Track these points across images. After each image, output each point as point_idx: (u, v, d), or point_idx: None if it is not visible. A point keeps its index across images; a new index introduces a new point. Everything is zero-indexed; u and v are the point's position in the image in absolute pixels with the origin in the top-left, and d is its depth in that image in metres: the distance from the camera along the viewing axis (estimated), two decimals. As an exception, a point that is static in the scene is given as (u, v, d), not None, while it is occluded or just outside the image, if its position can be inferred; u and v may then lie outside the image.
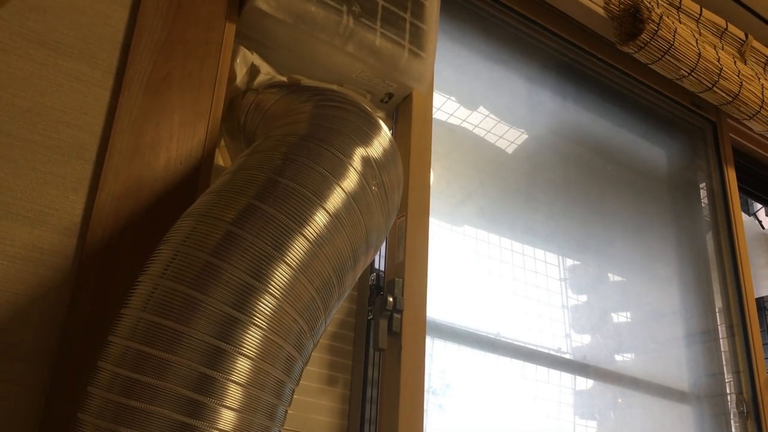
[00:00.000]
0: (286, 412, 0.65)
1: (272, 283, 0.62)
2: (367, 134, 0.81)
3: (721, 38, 1.60)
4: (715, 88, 1.50)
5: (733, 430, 1.47)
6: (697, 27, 1.56)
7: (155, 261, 0.63)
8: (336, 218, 0.70)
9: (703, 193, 1.71)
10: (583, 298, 1.40)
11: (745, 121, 1.62)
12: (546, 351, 1.29)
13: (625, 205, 1.56)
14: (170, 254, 0.62)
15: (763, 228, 2.22)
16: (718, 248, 1.63)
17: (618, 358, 1.40)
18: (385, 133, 0.85)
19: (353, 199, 0.73)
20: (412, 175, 1.06)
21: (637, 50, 1.41)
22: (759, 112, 1.56)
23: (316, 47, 0.96)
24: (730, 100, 1.53)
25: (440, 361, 1.14)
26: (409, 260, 1.00)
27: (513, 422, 1.19)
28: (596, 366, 1.35)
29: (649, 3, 1.42)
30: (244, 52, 0.95)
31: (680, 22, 1.52)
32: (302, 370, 0.67)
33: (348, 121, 0.80)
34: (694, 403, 1.47)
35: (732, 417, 1.48)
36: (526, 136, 1.45)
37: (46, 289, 0.72)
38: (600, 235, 1.48)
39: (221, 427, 0.56)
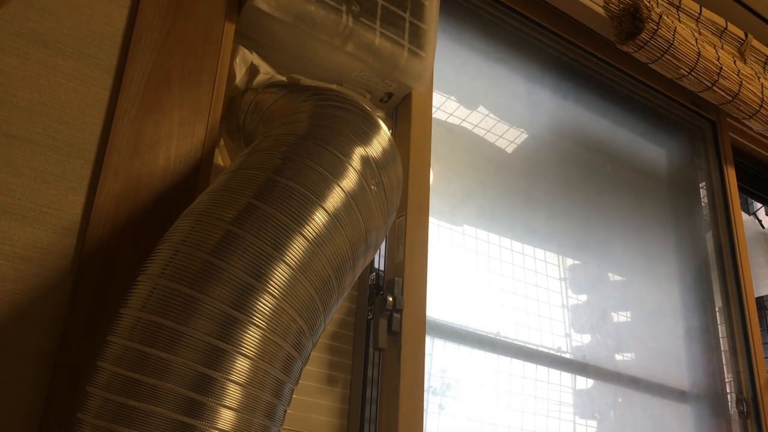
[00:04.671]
0: (286, 411, 0.65)
1: (271, 282, 0.62)
2: (366, 134, 0.81)
3: (720, 37, 1.60)
4: (714, 88, 1.50)
5: (733, 429, 1.47)
6: (697, 26, 1.56)
7: (154, 260, 0.63)
8: (335, 218, 0.70)
9: (703, 192, 1.71)
10: (583, 297, 1.40)
11: (744, 121, 1.62)
12: (546, 350, 1.29)
13: (625, 204, 1.56)
14: (169, 254, 0.62)
15: (763, 227, 2.22)
16: (718, 248, 1.63)
17: (618, 357, 1.40)
18: (385, 132, 0.85)
19: (353, 198, 0.73)
20: (412, 174, 1.06)
21: (636, 49, 1.41)
22: (759, 111, 1.56)
23: (315, 47, 0.96)
24: (730, 99, 1.53)
25: (440, 360, 1.14)
26: (409, 260, 1.00)
27: (513, 422, 1.18)
28: (596, 365, 1.35)
29: (649, 2, 1.42)
30: (243, 51, 0.95)
31: (680, 21, 1.52)
32: (301, 370, 0.67)
33: (347, 121, 0.80)
34: (693, 402, 1.47)
35: (732, 417, 1.48)
36: (525, 136, 1.45)
37: (45, 289, 0.72)
38: (600, 234, 1.48)
39: (220, 426, 0.56)
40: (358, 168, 0.75)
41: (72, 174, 0.77)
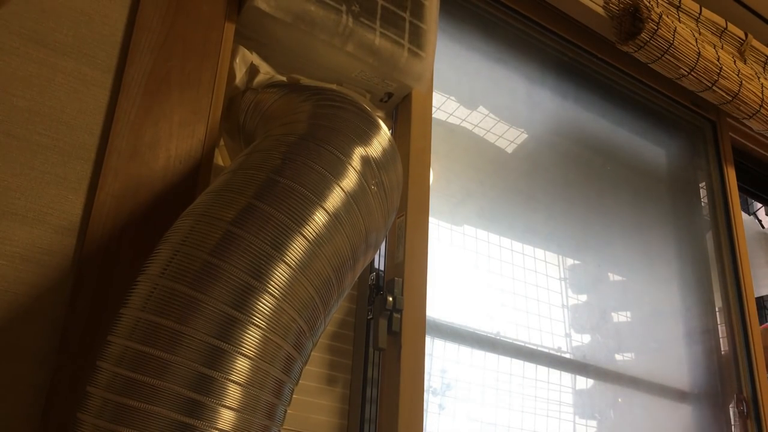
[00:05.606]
0: (286, 411, 0.65)
1: (271, 282, 0.62)
2: (366, 134, 0.81)
3: (720, 37, 1.60)
4: (714, 88, 1.50)
5: (733, 430, 1.47)
6: (697, 26, 1.56)
7: (154, 261, 0.63)
8: (335, 218, 0.70)
9: (702, 192, 1.71)
10: (583, 297, 1.40)
11: (744, 121, 1.62)
12: (546, 350, 1.29)
13: (625, 204, 1.56)
14: (169, 254, 0.62)
15: (763, 227, 2.22)
16: (718, 248, 1.63)
17: (618, 357, 1.40)
18: (385, 132, 0.85)
19: (353, 198, 0.73)
20: (412, 174, 1.06)
21: (636, 49, 1.41)
22: (759, 111, 1.56)
23: (315, 47, 0.96)
24: (730, 99, 1.53)
25: (440, 360, 1.14)
26: (409, 260, 1.00)
27: (513, 422, 1.18)
28: (596, 366, 1.35)
29: (649, 2, 1.42)
30: (243, 51, 0.95)
31: (680, 21, 1.52)
32: (302, 370, 0.67)
33: (347, 121, 0.80)
34: (694, 402, 1.47)
35: (732, 417, 1.48)
36: (525, 136, 1.45)
37: (45, 289, 0.72)
38: (600, 234, 1.48)
39: (221, 426, 0.56)
40: (358, 168, 0.75)
41: (72, 174, 0.77)
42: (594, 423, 1.31)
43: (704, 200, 1.70)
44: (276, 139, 0.76)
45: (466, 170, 1.33)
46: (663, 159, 1.72)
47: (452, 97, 1.35)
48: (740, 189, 1.77)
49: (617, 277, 1.48)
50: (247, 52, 0.96)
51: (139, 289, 0.61)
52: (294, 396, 0.67)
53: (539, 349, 1.28)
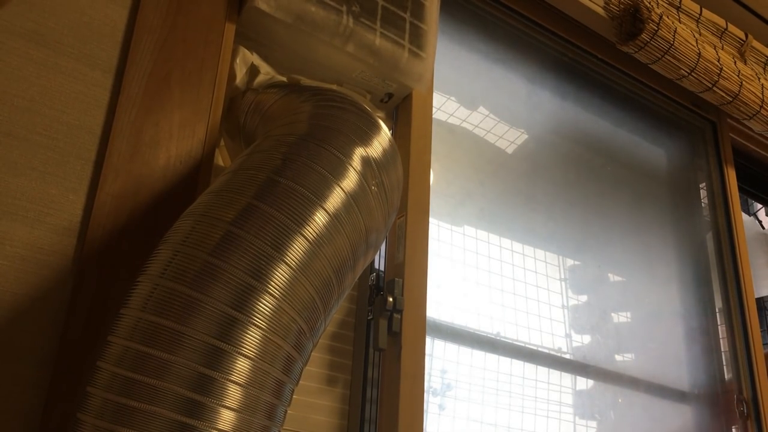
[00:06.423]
0: (286, 412, 0.65)
1: (272, 283, 0.62)
2: (366, 134, 0.81)
3: (721, 38, 1.60)
4: (715, 88, 1.50)
5: (733, 430, 1.47)
6: (697, 27, 1.56)
7: (155, 261, 0.63)
8: (335, 218, 0.70)
9: (703, 193, 1.71)
10: (583, 298, 1.40)
11: (745, 121, 1.62)
12: (546, 351, 1.29)
13: (625, 205, 1.56)
14: (170, 254, 0.62)
15: (763, 228, 2.22)
16: (718, 248, 1.63)
17: (618, 358, 1.40)
18: (385, 133, 0.85)
19: (353, 199, 0.73)
20: (412, 175, 1.06)
21: (636, 50, 1.41)
22: (759, 111, 1.56)
23: (315, 47, 0.96)
24: (730, 100, 1.53)
25: (440, 361, 1.14)
26: (409, 260, 1.00)
27: (513, 422, 1.18)
28: (596, 366, 1.35)
29: (649, 3, 1.42)
30: (243, 52, 0.95)
31: (680, 21, 1.52)
32: (302, 370, 0.67)
33: (347, 121, 0.80)
34: (694, 403, 1.47)
35: (732, 417, 1.48)
36: (526, 136, 1.45)
37: (45, 289, 0.72)
38: (600, 235, 1.48)
39: (221, 427, 0.56)
40: (359, 168, 0.75)
41: (72, 174, 0.77)
42: (594, 423, 1.31)
43: (704, 201, 1.70)
44: (276, 139, 0.76)
45: (467, 171, 1.33)
46: (663, 160, 1.72)
47: (452, 98, 1.35)
48: (740, 189, 1.77)
49: (617, 278, 1.48)
50: (247, 52, 0.96)
51: (140, 289, 0.61)
52: (294, 396, 0.67)
53: (539, 349, 1.28)
